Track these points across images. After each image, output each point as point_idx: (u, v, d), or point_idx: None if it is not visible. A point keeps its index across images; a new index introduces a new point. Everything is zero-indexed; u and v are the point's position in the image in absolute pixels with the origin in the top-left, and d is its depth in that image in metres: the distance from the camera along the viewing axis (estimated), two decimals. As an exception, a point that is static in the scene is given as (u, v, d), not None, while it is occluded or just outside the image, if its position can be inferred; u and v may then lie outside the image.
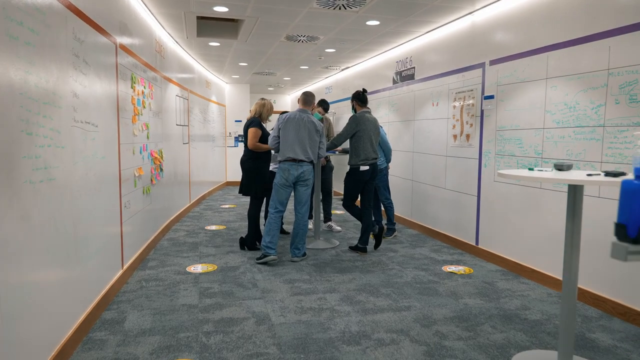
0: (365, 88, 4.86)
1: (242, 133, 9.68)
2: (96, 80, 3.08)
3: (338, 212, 7.07)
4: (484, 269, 4.20)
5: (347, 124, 4.57)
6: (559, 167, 2.50)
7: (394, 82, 6.56)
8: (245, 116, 10.79)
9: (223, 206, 7.73)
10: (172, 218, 5.98)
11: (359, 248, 4.70)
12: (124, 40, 3.83)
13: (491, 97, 4.37)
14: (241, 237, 4.89)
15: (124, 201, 3.75)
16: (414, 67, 5.97)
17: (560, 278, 3.54)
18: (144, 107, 4.53)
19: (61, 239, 2.43)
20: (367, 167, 4.56)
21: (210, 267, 4.16)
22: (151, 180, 4.80)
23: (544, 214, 3.73)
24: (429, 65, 5.59)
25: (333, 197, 6.87)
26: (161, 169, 5.30)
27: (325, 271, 4.08)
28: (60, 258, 2.43)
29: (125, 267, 3.77)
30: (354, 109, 4.76)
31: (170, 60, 5.98)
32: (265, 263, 4.26)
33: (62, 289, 2.46)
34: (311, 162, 4.30)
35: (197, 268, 4.14)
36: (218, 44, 6.37)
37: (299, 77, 9.88)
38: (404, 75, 6.24)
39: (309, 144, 4.25)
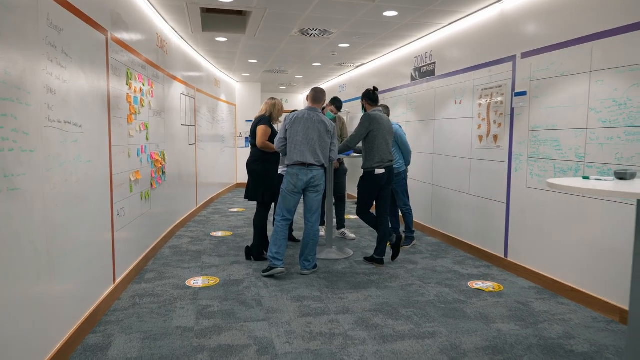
0: (377, 86, 4.47)
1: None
2: (80, 74, 2.74)
3: (352, 217, 6.67)
4: (515, 285, 3.76)
5: (360, 123, 4.18)
6: (621, 176, 2.07)
7: (412, 79, 6.13)
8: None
9: (231, 210, 7.39)
10: (176, 223, 5.65)
11: (375, 259, 4.30)
12: (118, 32, 3.49)
13: (523, 93, 3.93)
14: (247, 247, 4.52)
15: (116, 208, 3.42)
16: (434, 63, 5.54)
17: (609, 300, 3.09)
18: (143, 105, 4.20)
19: (28, 258, 2.09)
20: (382, 171, 4.16)
21: (211, 281, 3.80)
22: (151, 185, 4.47)
23: (589, 227, 3.27)
24: (451, 60, 5.16)
25: (346, 201, 6.48)
26: (163, 172, 4.97)
27: (338, 287, 3.69)
28: (27, 279, 2.08)
29: (118, 281, 3.43)
30: (364, 108, 4.39)
31: (175, 57, 5.65)
32: (272, 276, 3.89)
33: (33, 314, 2.12)
34: (322, 165, 3.91)
35: (198, 281, 3.78)
36: (225, 39, 6.02)
37: (311, 75, 9.50)
38: (424, 71, 5.81)
39: (319, 146, 3.86)
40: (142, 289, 3.58)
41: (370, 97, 4.33)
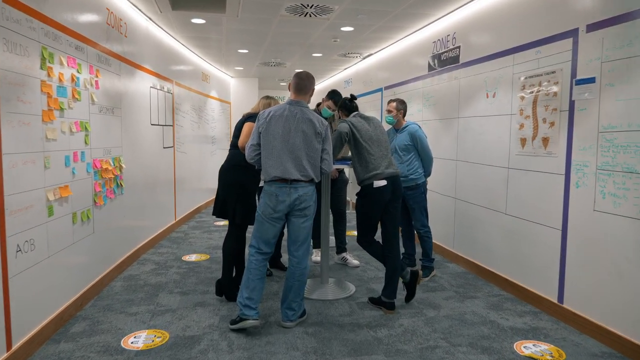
0: (354, 94, 3.50)
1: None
2: None
3: (355, 232, 5.59)
4: (581, 350, 2.67)
5: (334, 132, 3.22)
6: None
7: (430, 68, 5.05)
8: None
9: (217, 223, 6.36)
10: (141, 244, 4.64)
11: (383, 303, 3.24)
12: (20, -8, 2.48)
13: (589, 80, 2.84)
14: (218, 280, 3.49)
15: (15, 243, 2.41)
16: (458, 47, 4.45)
17: None
18: (78, 99, 3.19)
19: None
20: (384, 182, 3.11)
21: (158, 338, 2.77)
22: (94, 201, 3.46)
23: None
24: (481, 43, 4.07)
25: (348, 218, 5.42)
26: (118, 184, 3.96)
27: (331, 351, 2.63)
28: None
29: (16, 346, 2.42)
30: (339, 119, 3.43)
31: (141, 42, 4.64)
32: (242, 329, 2.86)
33: None
34: (311, 181, 2.86)
35: (139, 340, 2.75)
36: (203, 22, 5.00)
37: (313, 68, 8.44)
38: (444, 58, 4.73)
39: (305, 155, 2.80)
40: (55, 355, 2.56)
41: (347, 107, 3.39)
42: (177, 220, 6.02)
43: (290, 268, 2.92)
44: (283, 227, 2.95)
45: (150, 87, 4.97)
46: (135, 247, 4.45)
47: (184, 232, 5.79)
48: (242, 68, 8.53)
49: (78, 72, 3.19)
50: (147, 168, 4.80)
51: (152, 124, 5.00)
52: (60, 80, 2.93)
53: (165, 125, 5.54)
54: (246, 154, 2.88)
